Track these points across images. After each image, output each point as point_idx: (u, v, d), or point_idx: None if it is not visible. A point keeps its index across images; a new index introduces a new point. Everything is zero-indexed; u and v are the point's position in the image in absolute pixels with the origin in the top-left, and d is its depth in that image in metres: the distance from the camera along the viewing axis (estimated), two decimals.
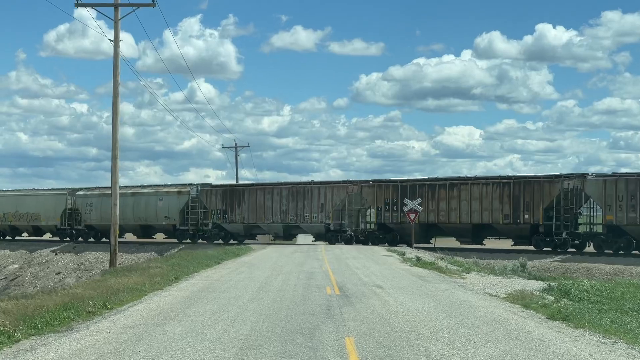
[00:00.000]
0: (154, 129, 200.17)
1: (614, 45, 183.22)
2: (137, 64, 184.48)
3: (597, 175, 49.96)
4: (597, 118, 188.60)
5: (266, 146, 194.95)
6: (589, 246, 50.94)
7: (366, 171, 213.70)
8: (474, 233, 54.71)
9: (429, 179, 56.55)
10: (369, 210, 60.28)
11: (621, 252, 48.64)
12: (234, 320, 17.59)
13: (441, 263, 39.86)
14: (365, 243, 58.14)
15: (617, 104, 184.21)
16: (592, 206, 50.86)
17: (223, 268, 34.73)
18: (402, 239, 57.48)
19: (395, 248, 53.51)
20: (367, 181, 59.53)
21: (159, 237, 71.97)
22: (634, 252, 48.91)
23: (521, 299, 22.52)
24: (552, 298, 22.85)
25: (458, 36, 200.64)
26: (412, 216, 55.53)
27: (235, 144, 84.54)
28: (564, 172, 51.45)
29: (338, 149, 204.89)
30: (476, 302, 21.98)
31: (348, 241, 59.20)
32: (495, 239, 55.26)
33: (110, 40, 37.03)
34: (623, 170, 50.45)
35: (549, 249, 51.16)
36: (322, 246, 58.44)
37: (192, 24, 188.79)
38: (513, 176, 53.51)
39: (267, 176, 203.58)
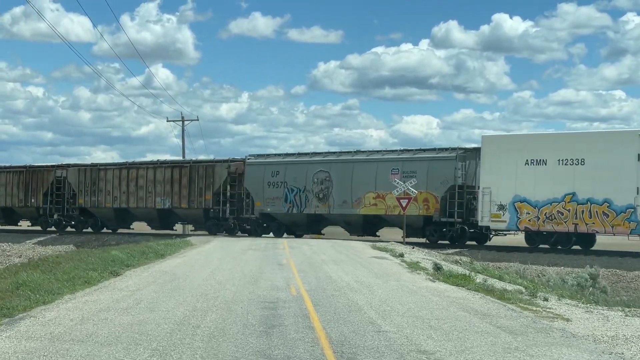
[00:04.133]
0: (111, 114, 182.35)
1: (569, 37, 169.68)
2: (94, 49, 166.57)
3: (74, 166, 53.48)
4: (552, 109, 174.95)
5: (224, 133, 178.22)
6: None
7: None
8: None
9: None
10: None
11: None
12: None
13: (476, 276, 23.65)
14: None
15: (572, 96, 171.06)
16: (72, 191, 52.76)
17: (113, 288, 18.18)
18: None
19: (386, 245, 37.20)
20: None
21: None
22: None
23: None
24: None
25: (416, 25, 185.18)
26: (403, 203, 39.24)
27: (182, 117, 67.91)
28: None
29: (296, 137, 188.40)
30: None
31: None
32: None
33: None
34: None
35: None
36: (283, 240, 41.99)
37: (149, 9, 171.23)
38: (26, 165, 55.77)
39: None
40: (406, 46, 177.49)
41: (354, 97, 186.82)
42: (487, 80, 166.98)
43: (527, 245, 39.39)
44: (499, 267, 34.48)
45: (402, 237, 40.39)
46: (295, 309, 15.26)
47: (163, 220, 49.94)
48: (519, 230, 38.35)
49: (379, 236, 43.24)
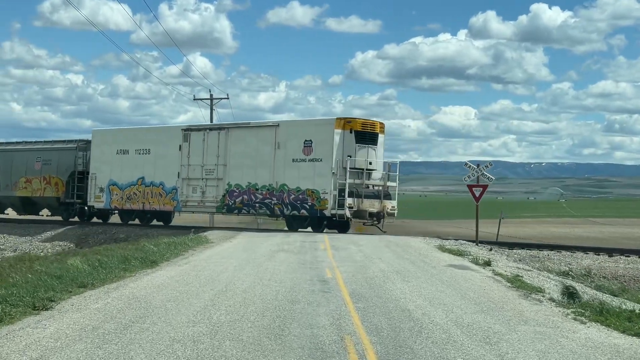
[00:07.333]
0: (149, 102, 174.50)
1: (609, 28, 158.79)
2: (132, 37, 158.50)
3: None
4: (592, 101, 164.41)
5: None
6: None
7: None
8: None
9: None
10: None
11: None
12: None
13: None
14: None
15: (612, 87, 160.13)
16: None
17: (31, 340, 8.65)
18: None
19: (457, 246, 27.52)
20: None
21: None
22: None
23: None
24: None
25: (454, 16, 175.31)
26: (477, 192, 29.56)
27: (211, 95, 58.25)
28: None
29: None
30: None
31: None
32: None
33: None
34: None
35: None
36: (323, 236, 32.31)
37: None
38: None
39: None
40: (444, 36, 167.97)
41: (391, 87, 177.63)
42: (525, 71, 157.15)
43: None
44: (570, 273, 24.81)
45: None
46: None
47: None
48: (111, 209, 41.72)
49: (42, 215, 46.16)
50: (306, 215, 33.93)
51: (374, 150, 33.84)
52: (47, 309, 11.74)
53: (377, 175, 34.08)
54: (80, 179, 41.97)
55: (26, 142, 46.60)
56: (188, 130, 38.05)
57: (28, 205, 45.31)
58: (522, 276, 19.20)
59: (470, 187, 29.65)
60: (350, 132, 32.89)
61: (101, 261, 17.29)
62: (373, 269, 19.23)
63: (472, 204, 30.64)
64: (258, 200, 35.33)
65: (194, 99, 59.18)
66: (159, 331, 10.27)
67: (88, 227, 40.89)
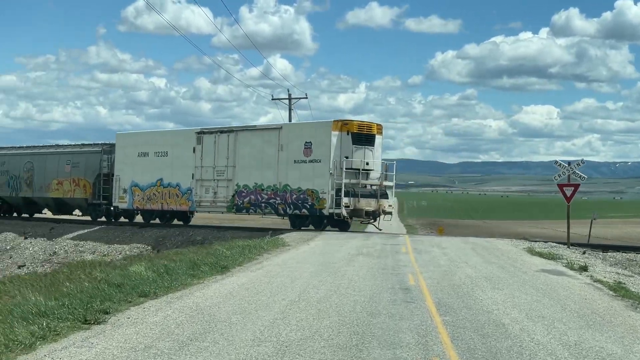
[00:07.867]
0: (230, 105, 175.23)
1: None
2: (213, 40, 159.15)
3: None
4: None
5: None
6: None
7: (442, 149, 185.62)
8: None
9: None
10: None
11: None
12: None
13: None
14: None
15: None
16: None
17: None
18: None
19: (549, 249, 25.66)
20: None
21: None
22: None
23: None
24: None
25: (536, 14, 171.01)
26: (567, 192, 27.61)
27: (289, 95, 57.00)
28: None
29: (414, 127, 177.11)
30: None
31: None
32: None
33: None
34: None
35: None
36: (404, 237, 30.79)
37: (268, 0, 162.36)
38: None
39: None
40: (525, 35, 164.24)
41: (471, 87, 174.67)
42: (609, 69, 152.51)
43: None
44: None
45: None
46: None
47: None
48: (133, 209, 42.54)
49: (75, 215, 47.83)
50: (307, 214, 34.64)
51: (371, 151, 34.42)
52: (99, 323, 10.49)
53: (374, 175, 34.57)
54: (105, 180, 43.24)
55: (57, 146, 49.12)
56: (201, 133, 39.09)
57: (61, 205, 47.12)
58: (625, 283, 17.35)
59: (560, 186, 27.69)
60: (347, 134, 33.53)
61: (167, 267, 16.07)
62: (459, 275, 17.61)
63: (556, 203, 28.80)
64: (264, 200, 36.42)
65: (272, 99, 58.05)
66: (219, 352, 8.90)
67: (166, 229, 40.01)
